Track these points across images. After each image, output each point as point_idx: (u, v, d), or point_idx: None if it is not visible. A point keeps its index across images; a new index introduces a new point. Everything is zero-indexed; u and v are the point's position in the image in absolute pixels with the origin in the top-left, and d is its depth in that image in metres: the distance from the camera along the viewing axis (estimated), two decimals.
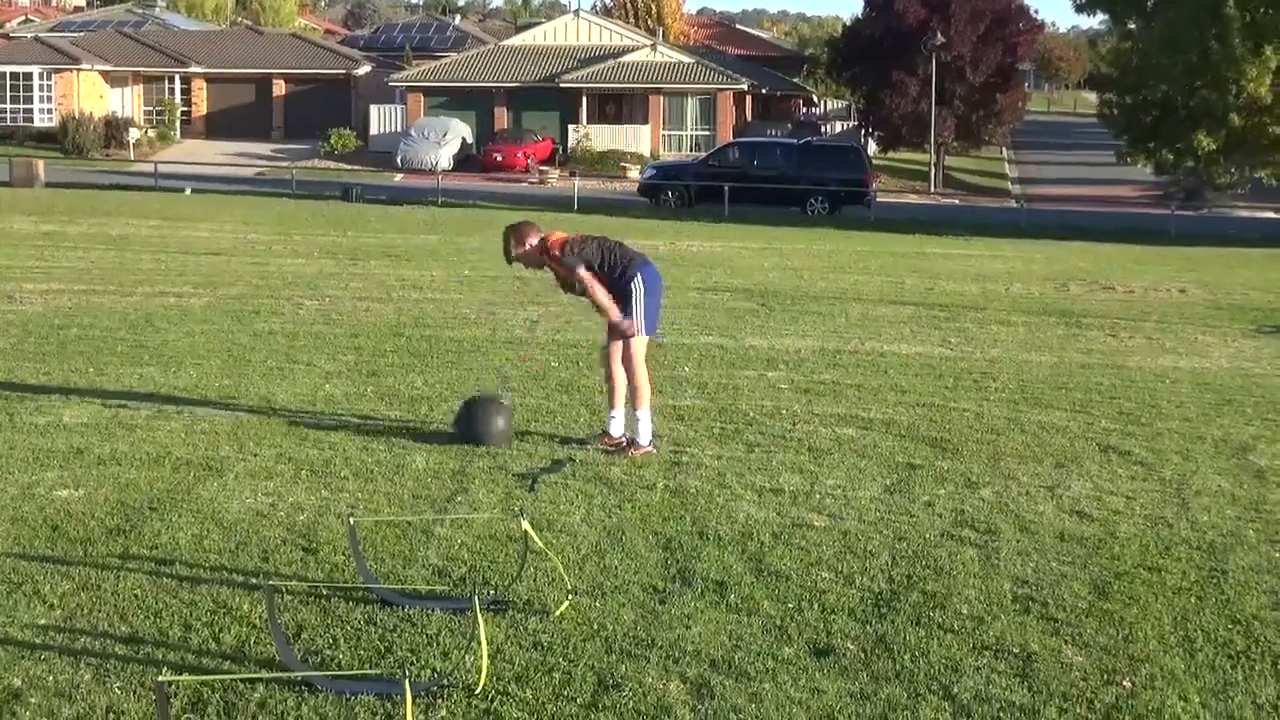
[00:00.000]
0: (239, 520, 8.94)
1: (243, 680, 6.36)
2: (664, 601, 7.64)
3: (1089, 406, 13.76)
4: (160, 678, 5.71)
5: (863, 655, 6.97)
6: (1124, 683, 6.73)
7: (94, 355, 15.09)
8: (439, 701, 6.26)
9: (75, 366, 14.39)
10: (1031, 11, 75.95)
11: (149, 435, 11.26)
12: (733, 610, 7.55)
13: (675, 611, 7.48)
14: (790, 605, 7.65)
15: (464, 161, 72.41)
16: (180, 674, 6.45)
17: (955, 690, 6.57)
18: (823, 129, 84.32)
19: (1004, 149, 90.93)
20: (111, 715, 6.08)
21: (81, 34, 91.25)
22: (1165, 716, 6.42)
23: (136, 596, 7.49)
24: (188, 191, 51.82)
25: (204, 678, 6.36)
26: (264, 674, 6.45)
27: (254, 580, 7.70)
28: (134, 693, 6.28)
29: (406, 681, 5.53)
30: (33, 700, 6.20)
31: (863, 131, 79.39)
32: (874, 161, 65.19)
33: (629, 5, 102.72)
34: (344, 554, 8.24)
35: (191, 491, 9.58)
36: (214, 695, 6.24)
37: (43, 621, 7.13)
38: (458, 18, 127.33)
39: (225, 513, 9.10)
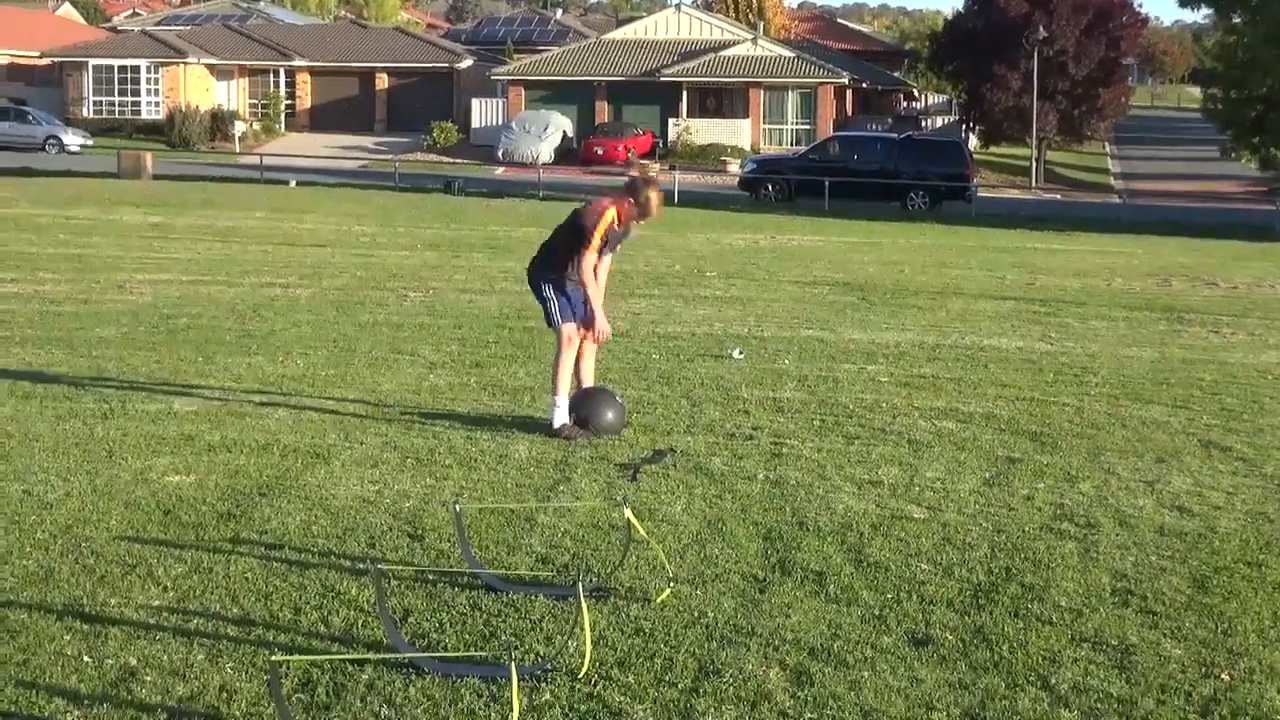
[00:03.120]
0: (346, 507, 9.10)
1: (351, 661, 6.50)
2: (764, 590, 7.72)
3: (1190, 402, 13.72)
4: (274, 658, 5.86)
5: (961, 645, 7.02)
6: (1222, 676, 6.75)
7: (203, 344, 15.35)
8: (543, 685, 6.37)
9: (185, 355, 14.64)
10: (1135, 5, 75.15)
11: (257, 423, 11.47)
12: (832, 600, 7.62)
13: (775, 600, 7.56)
14: (889, 595, 7.72)
15: (565, 155, 72.77)
16: (291, 655, 6.60)
17: (1053, 681, 6.61)
18: (923, 123, 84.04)
19: (1106, 144, 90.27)
20: (224, 694, 6.22)
21: (188, 28, 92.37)
22: (1263, 709, 6.43)
23: (247, 580, 7.65)
24: (292, 184, 52.32)
25: (315, 658, 6.50)
26: (372, 655, 6.59)
27: (361, 565, 7.85)
28: (245, 672, 6.43)
29: (513, 664, 5.65)
30: (148, 679, 6.36)
31: (964, 126, 79.07)
32: (975, 156, 64.88)
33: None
34: (449, 540, 8.38)
35: (299, 478, 9.75)
36: (324, 676, 6.38)
37: (157, 603, 7.30)
38: (559, 12, 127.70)
39: (332, 499, 9.26)
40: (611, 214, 11.16)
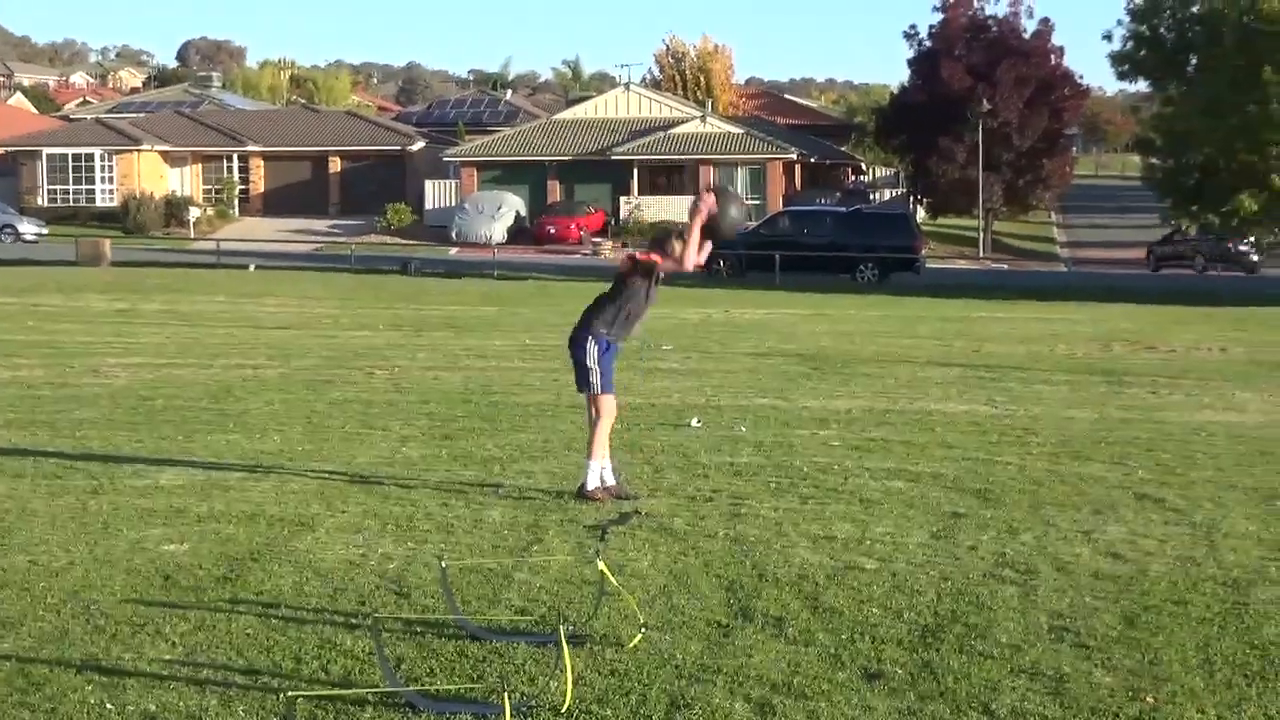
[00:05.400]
0: (334, 569, 9.68)
1: (355, 701, 7.10)
2: (727, 634, 8.35)
3: (1127, 458, 14.40)
4: (290, 693, 6.47)
5: (910, 678, 7.65)
6: (1147, 699, 7.38)
7: (181, 423, 15.92)
8: None
9: (165, 434, 15.21)
10: (1076, 77, 76.57)
11: (242, 495, 12.05)
12: (791, 642, 8.24)
13: (738, 643, 8.19)
14: (844, 636, 8.34)
15: (518, 234, 73.50)
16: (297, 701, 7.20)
17: (994, 706, 7.25)
18: (871, 196, 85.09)
19: (1052, 213, 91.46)
20: None
21: (141, 115, 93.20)
22: None
23: (249, 635, 8.24)
24: (252, 268, 52.86)
25: (331, 694, 7.11)
26: (375, 689, 7.19)
27: (354, 620, 8.45)
28: (257, 715, 7.00)
29: (506, 697, 6.26)
30: None
31: (911, 198, 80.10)
32: (923, 228, 65.82)
33: (678, 78, 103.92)
34: (433, 597, 8.98)
35: (288, 544, 10.34)
36: (327, 717, 6.98)
37: (167, 657, 7.87)
38: (509, 92, 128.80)
39: (321, 562, 9.85)
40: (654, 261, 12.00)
